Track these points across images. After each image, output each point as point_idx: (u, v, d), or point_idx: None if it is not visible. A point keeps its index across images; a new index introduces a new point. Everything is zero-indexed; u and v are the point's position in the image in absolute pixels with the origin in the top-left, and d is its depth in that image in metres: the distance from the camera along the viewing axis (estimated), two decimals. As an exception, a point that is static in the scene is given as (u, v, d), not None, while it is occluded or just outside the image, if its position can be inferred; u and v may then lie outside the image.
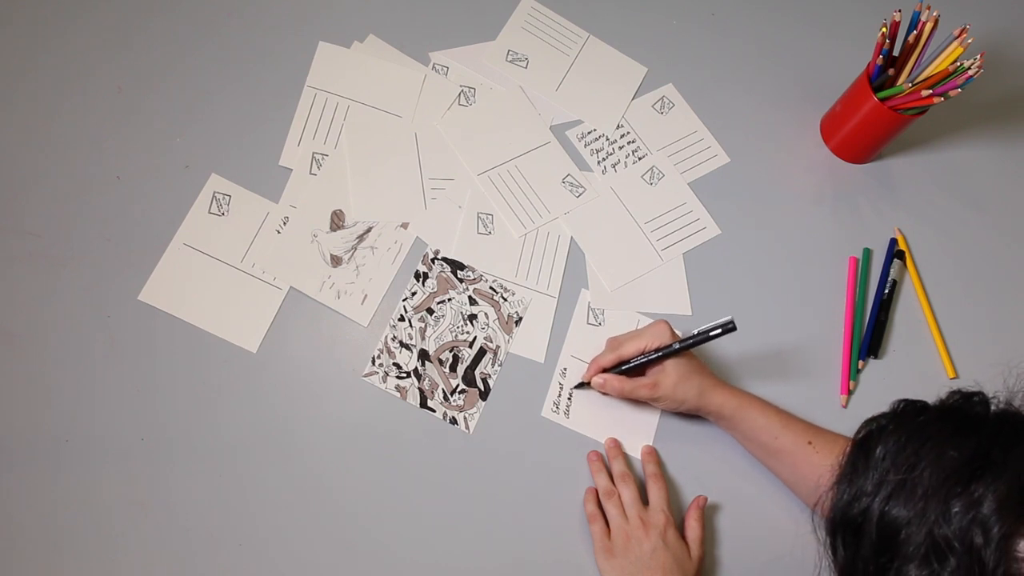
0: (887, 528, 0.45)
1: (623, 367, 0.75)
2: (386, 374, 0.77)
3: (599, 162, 0.90)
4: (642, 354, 0.74)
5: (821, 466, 0.71)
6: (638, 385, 0.74)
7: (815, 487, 0.71)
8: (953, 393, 0.50)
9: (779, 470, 0.76)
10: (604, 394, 0.77)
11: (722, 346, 0.82)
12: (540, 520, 0.74)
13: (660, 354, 0.73)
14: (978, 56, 0.80)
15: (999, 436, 0.45)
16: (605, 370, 0.76)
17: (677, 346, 0.73)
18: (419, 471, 0.74)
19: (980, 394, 0.49)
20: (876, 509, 0.46)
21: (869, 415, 0.52)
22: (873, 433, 0.50)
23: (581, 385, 0.79)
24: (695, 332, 0.73)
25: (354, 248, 0.81)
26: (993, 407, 0.49)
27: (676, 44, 0.97)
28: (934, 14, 0.82)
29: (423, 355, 0.78)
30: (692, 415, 0.78)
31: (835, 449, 0.72)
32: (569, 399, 0.79)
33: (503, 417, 0.77)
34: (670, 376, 0.73)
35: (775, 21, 1.01)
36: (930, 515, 0.44)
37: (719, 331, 0.72)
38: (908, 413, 0.50)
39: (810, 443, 0.73)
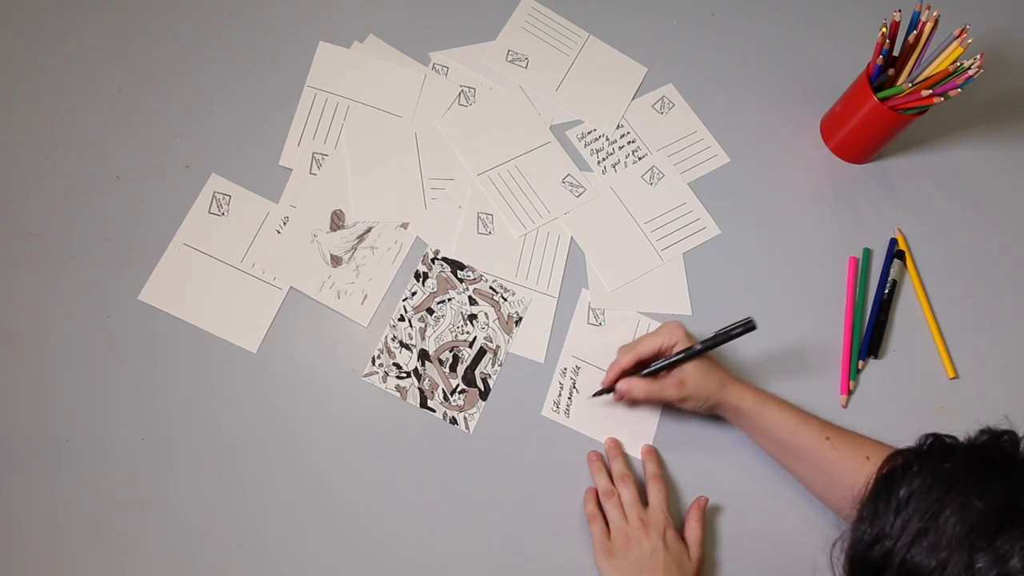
0: None
1: (643, 372, 0.75)
2: (386, 374, 0.77)
3: (599, 162, 0.90)
4: (660, 354, 0.74)
5: (838, 462, 0.71)
6: (666, 385, 0.73)
7: (832, 484, 0.71)
8: (982, 432, 0.49)
9: (796, 467, 0.76)
10: (631, 400, 0.76)
11: (724, 345, 0.82)
12: (540, 520, 0.74)
13: (682, 356, 0.73)
14: (978, 56, 0.80)
15: None
16: (625, 372, 0.75)
17: (699, 347, 0.73)
18: (419, 471, 0.74)
19: (1011, 433, 0.48)
20: (898, 555, 0.45)
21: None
22: (897, 471, 0.48)
23: (600, 392, 0.78)
24: (714, 333, 0.73)
25: (354, 248, 0.81)
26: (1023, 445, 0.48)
27: (676, 44, 0.97)
28: (934, 14, 0.82)
29: (423, 355, 0.78)
30: (698, 416, 0.78)
31: (853, 446, 0.71)
32: (569, 399, 0.79)
33: (503, 417, 0.77)
34: (693, 374, 0.73)
35: (775, 21, 1.01)
36: (953, 569, 0.42)
37: (740, 330, 0.72)
38: (934, 452, 0.49)
39: (828, 439, 0.73)
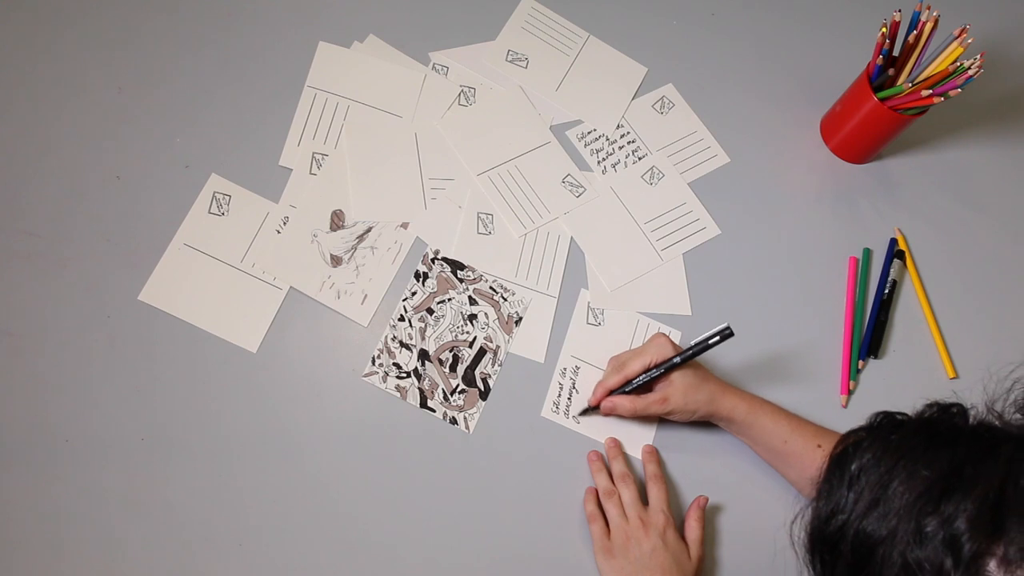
0: (862, 547, 0.45)
1: (626, 389, 0.75)
2: (386, 374, 0.77)
3: (599, 162, 0.90)
4: (646, 371, 0.74)
5: None
6: (650, 402, 0.74)
7: None
8: (931, 405, 0.50)
9: (788, 473, 0.76)
10: (617, 416, 0.76)
11: (722, 348, 0.82)
12: (540, 520, 0.74)
13: (663, 369, 0.73)
14: (978, 56, 0.80)
15: (972, 451, 0.45)
16: (611, 391, 0.75)
17: (678, 360, 0.73)
18: (419, 471, 0.74)
19: (958, 405, 0.49)
20: (851, 527, 0.46)
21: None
22: (849, 448, 0.49)
23: (586, 411, 0.78)
24: (692, 343, 0.73)
25: (354, 248, 0.81)
26: (972, 415, 0.48)
27: (676, 44, 0.97)
28: (934, 14, 0.82)
29: (423, 355, 0.78)
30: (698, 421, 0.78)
31: None
32: (569, 399, 0.79)
33: (503, 417, 0.77)
34: (678, 388, 0.73)
35: (775, 21, 1.01)
36: (902, 535, 0.43)
37: (717, 338, 0.72)
38: (884, 428, 0.50)
39: (819, 446, 0.73)
